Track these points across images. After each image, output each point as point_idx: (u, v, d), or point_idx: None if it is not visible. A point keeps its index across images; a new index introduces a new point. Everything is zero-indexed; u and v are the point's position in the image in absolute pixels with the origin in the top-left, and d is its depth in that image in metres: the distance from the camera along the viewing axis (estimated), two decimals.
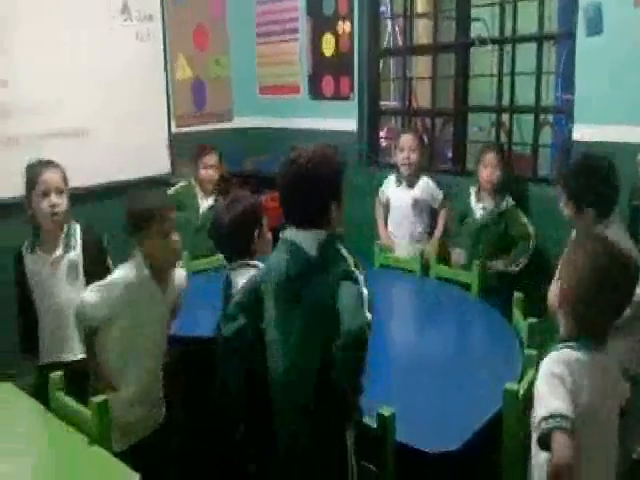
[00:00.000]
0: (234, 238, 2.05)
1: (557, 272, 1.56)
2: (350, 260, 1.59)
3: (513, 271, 3.05)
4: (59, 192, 2.28)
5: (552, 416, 1.34)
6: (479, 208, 3.16)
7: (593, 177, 2.30)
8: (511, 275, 3.05)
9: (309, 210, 1.62)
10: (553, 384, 1.38)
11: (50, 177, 2.28)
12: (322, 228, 1.62)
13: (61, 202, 2.27)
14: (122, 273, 2.00)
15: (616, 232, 2.18)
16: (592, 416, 1.41)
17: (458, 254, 3.22)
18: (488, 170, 3.09)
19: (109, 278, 2.00)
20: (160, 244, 1.98)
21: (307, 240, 1.61)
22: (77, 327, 2.07)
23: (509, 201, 3.10)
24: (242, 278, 1.97)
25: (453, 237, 3.35)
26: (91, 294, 1.99)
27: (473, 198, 3.20)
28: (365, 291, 1.54)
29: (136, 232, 1.99)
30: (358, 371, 1.53)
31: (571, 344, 1.45)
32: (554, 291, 1.53)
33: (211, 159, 3.49)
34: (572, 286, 1.47)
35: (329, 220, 1.62)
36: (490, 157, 3.10)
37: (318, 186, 1.60)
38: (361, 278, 1.56)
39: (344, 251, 1.61)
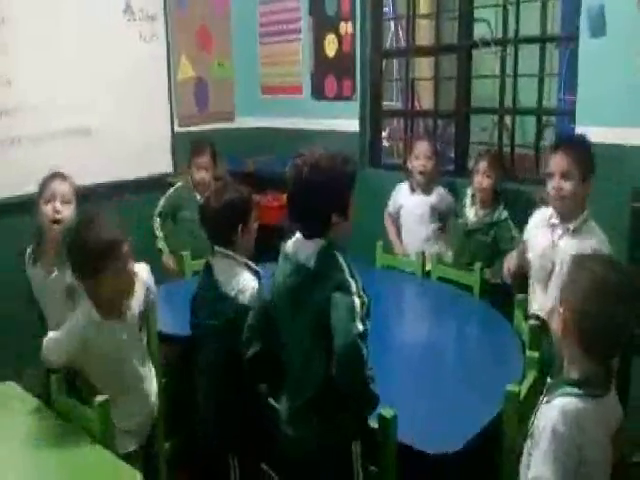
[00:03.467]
0: (216, 225, 2.07)
1: (556, 299, 1.52)
2: (346, 269, 1.57)
3: (495, 282, 2.96)
4: (65, 201, 2.28)
5: None
6: (472, 212, 3.16)
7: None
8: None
9: (308, 219, 1.62)
10: (551, 446, 1.36)
11: (58, 185, 2.29)
12: (323, 237, 1.61)
13: (65, 211, 2.26)
14: (75, 325, 1.88)
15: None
16: (602, 460, 1.41)
17: (444, 252, 3.25)
18: (479, 178, 3.09)
19: (66, 327, 1.89)
20: (114, 283, 1.86)
21: (305, 251, 1.62)
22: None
23: (502, 213, 3.07)
24: (223, 271, 2.03)
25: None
26: (51, 342, 1.89)
27: (468, 200, 3.20)
28: (357, 300, 1.52)
29: (89, 276, 1.84)
30: (359, 383, 1.54)
31: (577, 391, 1.40)
32: (556, 318, 1.48)
33: (202, 160, 3.42)
34: (576, 304, 1.41)
35: (329, 230, 1.61)
36: (482, 165, 3.09)
37: (317, 197, 1.58)
38: (354, 286, 1.54)
39: (341, 260, 1.58)
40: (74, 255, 1.86)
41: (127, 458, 1.67)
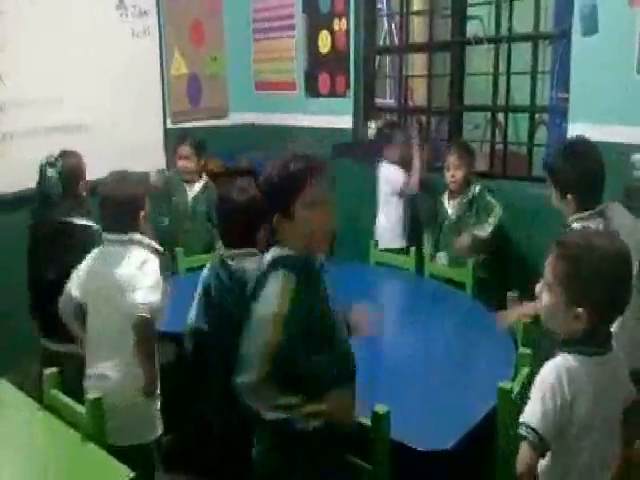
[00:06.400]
0: (235, 223, 2.02)
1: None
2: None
3: (481, 236, 3.01)
4: None
5: (525, 425, 1.38)
6: (451, 207, 3.20)
7: (576, 161, 2.15)
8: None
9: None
10: (543, 394, 1.38)
11: None
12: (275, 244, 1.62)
13: None
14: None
15: (620, 211, 2.15)
16: (593, 421, 1.40)
17: (440, 257, 3.22)
18: (451, 172, 3.14)
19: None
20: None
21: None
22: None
23: (476, 188, 3.14)
24: (253, 265, 1.94)
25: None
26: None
27: (446, 201, 3.23)
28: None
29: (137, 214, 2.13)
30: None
31: (572, 349, 1.41)
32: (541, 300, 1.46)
33: (184, 150, 3.47)
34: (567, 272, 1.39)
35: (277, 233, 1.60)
36: (452, 159, 3.14)
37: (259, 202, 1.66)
38: None
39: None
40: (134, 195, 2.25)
41: None
